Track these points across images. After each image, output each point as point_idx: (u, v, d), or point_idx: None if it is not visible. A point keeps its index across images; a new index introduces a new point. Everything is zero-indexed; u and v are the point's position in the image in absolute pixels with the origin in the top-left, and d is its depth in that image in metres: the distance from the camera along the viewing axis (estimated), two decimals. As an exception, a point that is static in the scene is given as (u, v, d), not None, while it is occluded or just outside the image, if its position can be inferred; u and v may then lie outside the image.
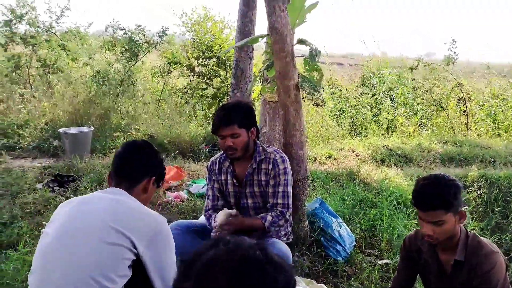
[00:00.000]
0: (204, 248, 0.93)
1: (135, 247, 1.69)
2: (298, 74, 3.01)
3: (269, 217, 2.67)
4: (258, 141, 2.77)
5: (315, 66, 3.17)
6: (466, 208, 3.26)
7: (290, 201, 2.73)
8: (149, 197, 2.01)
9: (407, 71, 10.37)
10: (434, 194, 1.91)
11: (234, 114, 2.58)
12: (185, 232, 2.75)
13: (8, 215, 3.68)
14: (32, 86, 7.63)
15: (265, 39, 3.54)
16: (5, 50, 7.83)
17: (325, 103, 2.88)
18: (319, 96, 2.96)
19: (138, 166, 1.94)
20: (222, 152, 2.90)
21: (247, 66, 6.24)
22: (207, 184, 2.96)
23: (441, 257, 2.10)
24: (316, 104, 2.97)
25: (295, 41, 3.13)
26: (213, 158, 2.94)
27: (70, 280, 1.60)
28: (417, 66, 9.69)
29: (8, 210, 3.79)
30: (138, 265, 1.73)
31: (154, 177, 1.98)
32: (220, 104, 8.71)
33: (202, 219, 3.40)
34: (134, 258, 1.70)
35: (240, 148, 2.63)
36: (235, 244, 0.90)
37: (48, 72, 7.99)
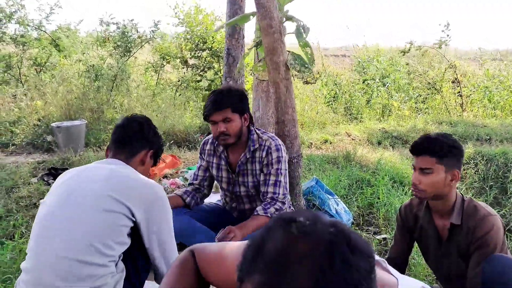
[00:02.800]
0: (272, 229, 0.77)
1: (132, 214, 1.71)
2: (288, 52, 2.99)
3: (267, 209, 2.52)
4: (252, 128, 2.67)
5: (306, 42, 3.14)
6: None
7: (282, 191, 2.58)
8: (146, 170, 2.02)
9: (400, 56, 10.36)
10: (431, 140, 1.95)
11: (226, 98, 2.47)
12: (180, 214, 2.73)
13: (4, 209, 3.66)
14: (24, 85, 7.59)
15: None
16: (-5, 50, 7.80)
17: (315, 80, 2.86)
18: (310, 73, 2.93)
19: (137, 137, 1.97)
20: None
21: (238, 54, 6.19)
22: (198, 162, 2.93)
23: (437, 222, 2.09)
24: (306, 82, 2.93)
25: (284, 19, 3.11)
26: (206, 138, 2.87)
27: (69, 246, 1.61)
28: (409, 49, 9.67)
29: (3, 205, 3.76)
30: (136, 234, 1.75)
31: (152, 150, 2.02)
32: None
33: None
34: (132, 225, 1.72)
35: (233, 134, 2.51)
36: (313, 230, 0.74)
37: (40, 71, 7.95)
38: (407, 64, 10.36)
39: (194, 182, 2.86)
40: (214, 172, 2.81)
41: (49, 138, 5.63)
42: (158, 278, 1.92)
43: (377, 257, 1.09)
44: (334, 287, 0.68)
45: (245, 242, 1.19)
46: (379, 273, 1.01)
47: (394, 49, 11.58)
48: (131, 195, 1.73)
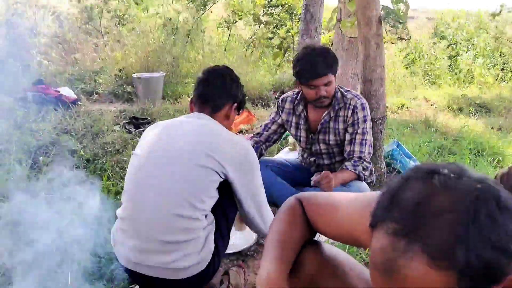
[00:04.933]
0: (411, 179, 0.73)
1: (224, 171, 1.71)
2: (382, 6, 2.83)
3: (356, 167, 2.53)
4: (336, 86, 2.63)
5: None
6: None
7: (368, 149, 2.59)
8: (230, 124, 2.01)
9: (490, 20, 9.59)
10: None
11: (328, 61, 2.44)
12: (261, 168, 2.75)
13: (91, 153, 3.86)
14: (104, 37, 7.87)
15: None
16: (79, 2, 8.07)
17: (410, 37, 2.71)
18: (404, 29, 2.78)
19: (221, 92, 1.93)
20: (293, 92, 2.79)
21: (317, 10, 5.99)
22: (270, 115, 2.91)
23: None
24: (401, 38, 2.80)
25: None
26: (284, 95, 2.84)
27: (166, 200, 1.65)
28: (500, 12, 8.93)
29: (90, 149, 3.97)
30: (223, 187, 1.76)
31: (236, 104, 1.98)
32: (287, 54, 8.59)
33: (277, 156, 3.41)
34: (222, 180, 1.73)
35: (331, 95, 2.51)
36: (458, 184, 0.70)
37: (119, 24, 8.18)
38: (496, 27, 9.58)
39: (264, 132, 2.87)
40: (292, 131, 2.81)
41: (129, 88, 5.85)
42: (252, 229, 1.97)
43: None
44: (476, 244, 0.64)
45: (356, 194, 1.17)
46: None
47: (483, 11, 10.72)
48: (224, 152, 1.72)
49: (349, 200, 1.13)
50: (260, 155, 2.85)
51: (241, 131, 4.51)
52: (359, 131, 2.57)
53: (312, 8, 6.01)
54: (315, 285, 1.20)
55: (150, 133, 1.85)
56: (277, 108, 2.84)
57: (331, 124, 2.64)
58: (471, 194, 0.68)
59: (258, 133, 2.91)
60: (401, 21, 2.74)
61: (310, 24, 6.06)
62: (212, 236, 1.74)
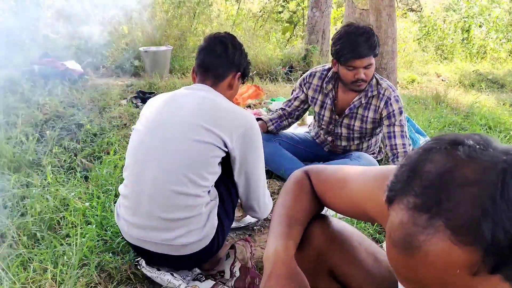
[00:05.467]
0: (432, 151, 0.68)
1: (225, 144, 1.66)
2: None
3: None
4: None
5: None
6: None
7: (408, 141, 2.52)
8: (234, 94, 1.94)
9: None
10: None
11: (372, 42, 2.32)
12: (270, 141, 2.73)
13: (98, 127, 3.85)
14: (111, 9, 7.77)
15: None
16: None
17: (421, 8, 2.62)
18: (416, 0, 2.69)
19: (223, 61, 1.83)
20: (323, 68, 2.72)
21: (327, -17, 5.87)
22: (292, 92, 2.84)
23: None
24: (412, 9, 2.71)
25: None
26: (313, 70, 2.73)
27: (165, 177, 1.61)
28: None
29: (97, 123, 3.96)
30: (227, 162, 1.72)
31: (239, 73, 1.89)
32: (297, 28, 8.45)
33: (285, 131, 3.37)
34: (224, 155, 1.68)
35: (369, 79, 2.42)
36: (484, 156, 0.65)
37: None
38: (511, 1, 9.32)
39: (286, 108, 2.81)
40: (316, 109, 2.73)
41: (136, 62, 5.80)
42: (247, 211, 1.94)
43: None
44: (503, 218, 0.59)
45: (365, 168, 1.12)
46: None
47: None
48: (224, 124, 1.66)
49: (359, 173, 1.09)
50: (277, 131, 2.82)
51: (249, 106, 4.47)
52: (397, 123, 2.48)
53: (322, -20, 5.89)
54: (322, 260, 1.18)
55: (150, 107, 1.80)
56: (301, 83, 2.76)
57: (360, 111, 2.56)
58: (498, 166, 0.63)
59: (282, 108, 2.86)
60: (414, -9, 2.64)
61: (320, -4, 5.94)
62: (215, 211, 1.71)
